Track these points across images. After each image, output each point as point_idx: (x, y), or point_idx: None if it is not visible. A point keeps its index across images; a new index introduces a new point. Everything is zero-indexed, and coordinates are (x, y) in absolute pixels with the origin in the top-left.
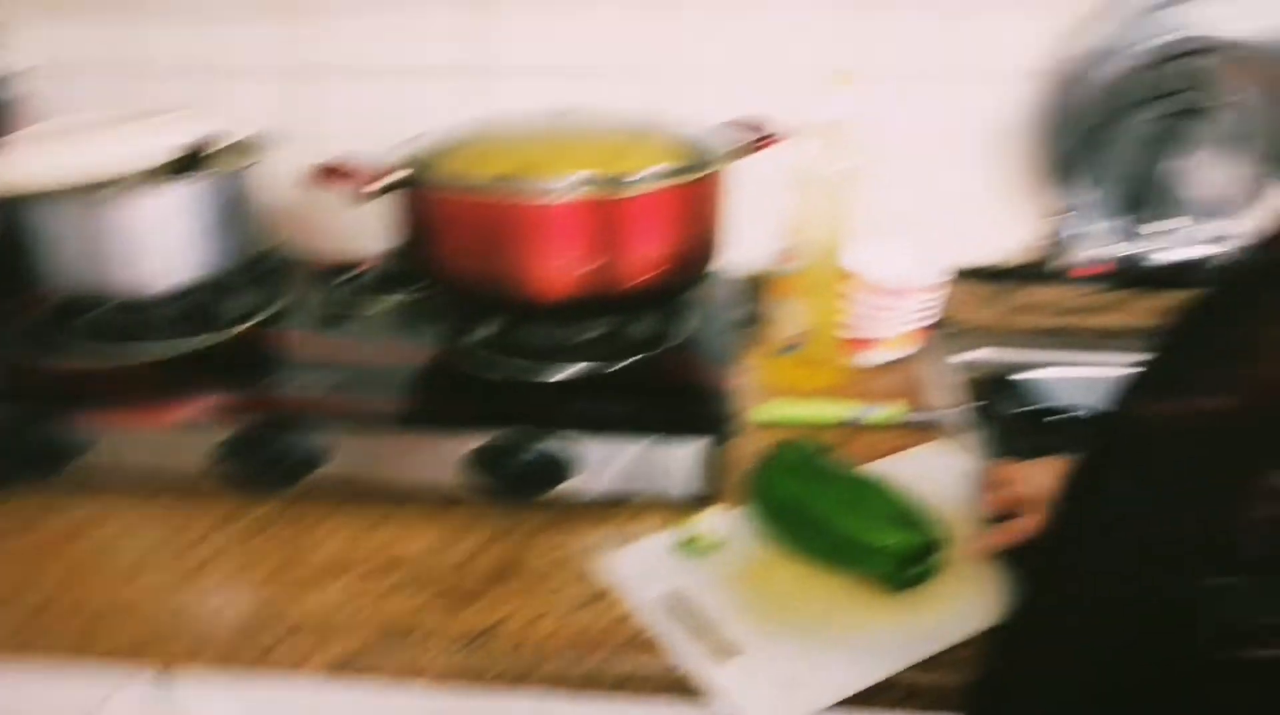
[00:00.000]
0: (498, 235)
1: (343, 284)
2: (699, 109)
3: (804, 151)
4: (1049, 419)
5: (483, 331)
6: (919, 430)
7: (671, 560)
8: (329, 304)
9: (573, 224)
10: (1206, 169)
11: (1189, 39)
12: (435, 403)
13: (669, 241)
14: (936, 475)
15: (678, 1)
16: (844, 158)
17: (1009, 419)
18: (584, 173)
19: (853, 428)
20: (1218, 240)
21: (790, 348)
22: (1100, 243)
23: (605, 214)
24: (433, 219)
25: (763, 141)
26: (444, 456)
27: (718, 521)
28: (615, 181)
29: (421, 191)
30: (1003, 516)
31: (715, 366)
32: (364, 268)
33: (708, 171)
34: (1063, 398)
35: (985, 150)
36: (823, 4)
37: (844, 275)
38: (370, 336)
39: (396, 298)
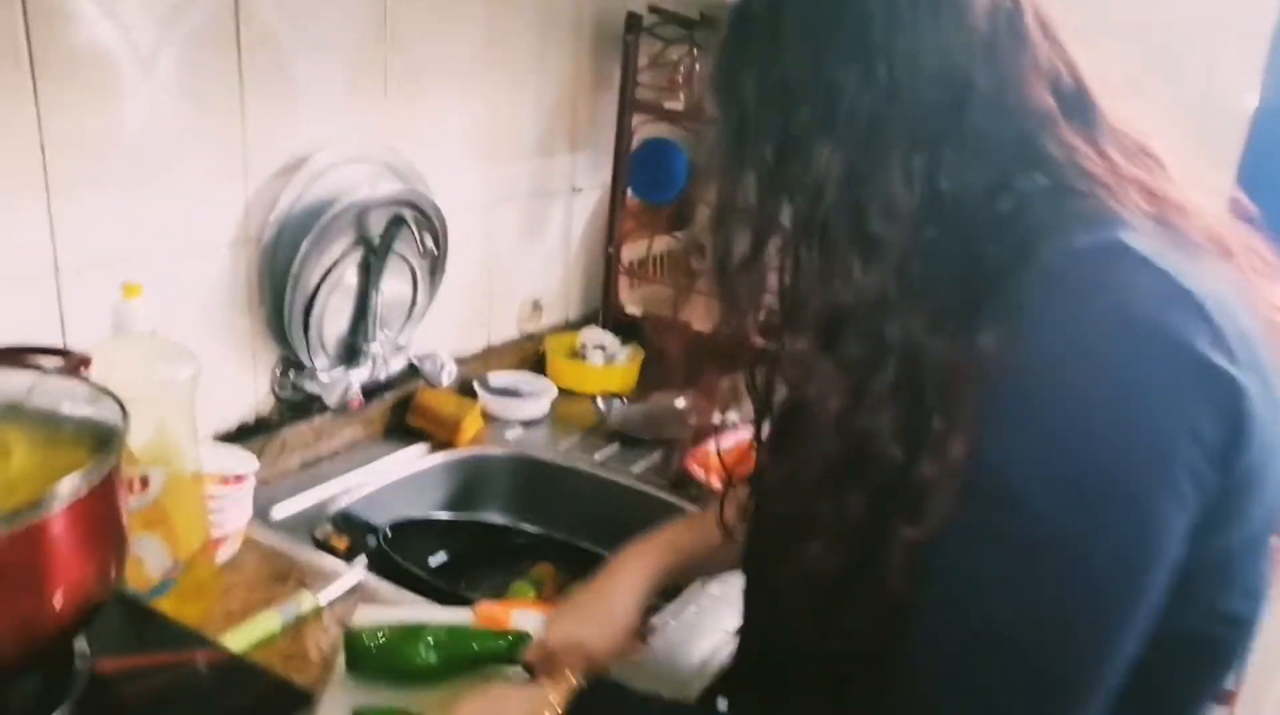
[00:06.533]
0: None
1: None
2: None
3: (114, 368)
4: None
5: None
6: (344, 603)
7: None
8: None
9: None
10: (390, 292)
11: (367, 199)
12: None
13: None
14: None
15: None
16: (161, 365)
17: (379, 548)
18: None
19: (293, 631)
20: (406, 348)
21: (164, 586)
22: (340, 377)
23: None
24: None
25: (80, 366)
26: None
27: None
28: None
29: None
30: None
31: None
32: None
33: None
34: (371, 507)
35: (212, 319)
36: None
37: (200, 480)
38: None
39: None
